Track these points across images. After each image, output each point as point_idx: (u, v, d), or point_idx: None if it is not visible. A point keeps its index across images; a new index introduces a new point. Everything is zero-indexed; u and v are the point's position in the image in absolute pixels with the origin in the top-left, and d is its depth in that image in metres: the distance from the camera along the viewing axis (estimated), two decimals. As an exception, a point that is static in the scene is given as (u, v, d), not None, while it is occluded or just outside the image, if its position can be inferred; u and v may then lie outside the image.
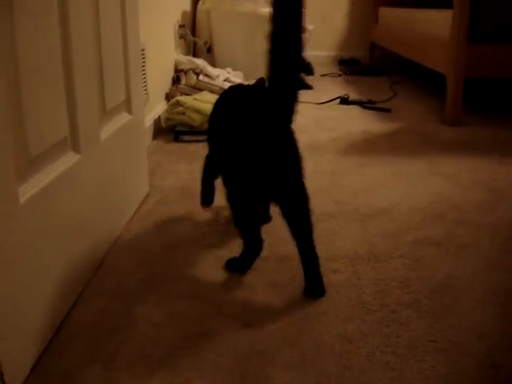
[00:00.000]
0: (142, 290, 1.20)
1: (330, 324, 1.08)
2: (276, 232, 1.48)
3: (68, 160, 1.12)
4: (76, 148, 1.16)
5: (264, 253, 1.32)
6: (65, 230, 1.09)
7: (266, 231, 1.48)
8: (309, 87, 3.73)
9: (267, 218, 1.48)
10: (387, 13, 4.62)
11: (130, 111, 1.58)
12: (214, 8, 3.29)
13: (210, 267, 1.30)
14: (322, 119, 2.82)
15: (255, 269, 1.29)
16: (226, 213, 1.56)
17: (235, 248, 1.37)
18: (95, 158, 1.26)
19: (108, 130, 1.38)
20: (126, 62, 1.53)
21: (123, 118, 1.53)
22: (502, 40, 2.72)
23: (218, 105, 1.35)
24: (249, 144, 1.14)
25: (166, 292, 1.19)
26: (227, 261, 1.30)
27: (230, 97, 1.31)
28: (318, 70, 4.52)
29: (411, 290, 1.21)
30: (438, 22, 2.98)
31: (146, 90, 2.37)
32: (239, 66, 3.19)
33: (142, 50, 2.31)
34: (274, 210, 1.24)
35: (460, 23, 2.61)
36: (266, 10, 3.20)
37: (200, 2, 3.50)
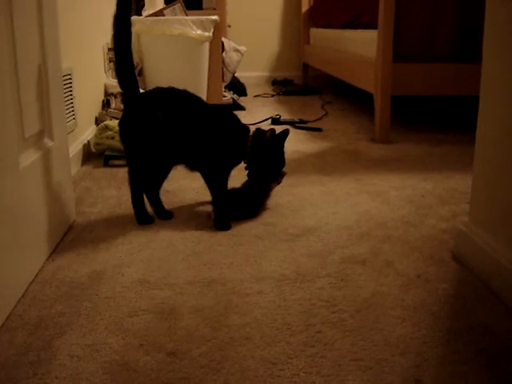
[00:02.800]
0: (63, 322, 1.16)
1: (255, 347, 1.07)
2: (202, 256, 1.48)
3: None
4: (-10, 177, 1.13)
5: (190, 277, 1.31)
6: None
7: (192, 255, 1.47)
8: (242, 108, 3.75)
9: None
10: (318, 34, 4.71)
11: (51, 138, 1.55)
12: (143, 31, 3.27)
13: (134, 296, 1.27)
14: (254, 140, 2.82)
15: (181, 293, 1.27)
16: None
17: (161, 283, 1.35)
18: (13, 187, 1.23)
19: (28, 158, 1.35)
20: (47, 88, 1.50)
21: (45, 144, 1.49)
22: (428, 59, 2.81)
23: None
24: None
25: (88, 324, 1.16)
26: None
27: None
28: (252, 90, 4.56)
29: (337, 309, 1.21)
30: (365, 43, 3.06)
31: (73, 114, 2.33)
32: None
33: (69, 74, 2.27)
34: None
35: (385, 43, 2.68)
36: (197, 32, 3.21)
37: (130, 26, 3.49)
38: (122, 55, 1.63)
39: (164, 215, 1.77)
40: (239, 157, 1.76)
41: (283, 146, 1.80)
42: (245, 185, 1.82)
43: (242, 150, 1.75)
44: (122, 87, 1.66)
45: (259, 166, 1.77)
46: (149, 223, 1.72)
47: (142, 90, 1.73)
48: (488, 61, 1.38)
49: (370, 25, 2.93)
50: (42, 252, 1.45)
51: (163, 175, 1.79)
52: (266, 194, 1.83)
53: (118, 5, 1.59)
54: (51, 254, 1.49)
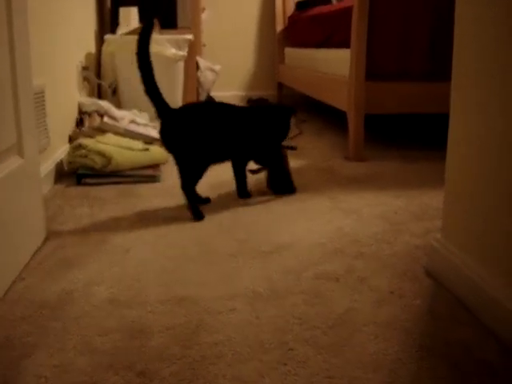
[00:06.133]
0: (31, 342, 1.14)
1: (227, 366, 1.06)
2: (173, 274, 1.46)
3: None
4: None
5: (161, 296, 1.29)
6: None
7: (163, 273, 1.46)
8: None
9: None
10: (292, 53, 4.74)
11: (21, 155, 1.52)
12: (118, 50, 3.27)
13: (104, 315, 1.25)
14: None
15: (152, 312, 1.25)
16: None
17: (132, 302, 1.33)
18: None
19: (-5, 175, 1.33)
20: (16, 105, 1.49)
21: (14, 162, 1.47)
22: (401, 77, 2.83)
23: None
24: None
25: (56, 344, 1.14)
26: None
27: None
28: (227, 109, 4.56)
29: (310, 326, 1.20)
30: (338, 61, 3.08)
31: (46, 133, 2.31)
32: (145, 108, 3.16)
33: (42, 92, 2.25)
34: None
35: (358, 61, 2.70)
36: (171, 51, 3.21)
37: (105, 44, 3.48)
38: (149, 79, 1.92)
39: (203, 201, 2.07)
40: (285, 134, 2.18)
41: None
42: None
43: (286, 129, 2.18)
44: (155, 105, 1.93)
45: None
46: (203, 219, 1.90)
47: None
48: (456, 80, 1.39)
49: (343, 44, 2.95)
50: (10, 271, 1.42)
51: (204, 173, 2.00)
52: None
53: (141, 35, 1.92)
54: (20, 273, 1.46)
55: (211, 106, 2.10)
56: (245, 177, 2.16)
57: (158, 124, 1.97)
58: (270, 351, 1.11)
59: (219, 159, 2.05)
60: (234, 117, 2.04)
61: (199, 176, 1.97)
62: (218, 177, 2.43)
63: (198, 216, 1.91)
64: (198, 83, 3.85)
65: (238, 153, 2.10)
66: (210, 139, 1.96)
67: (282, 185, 2.20)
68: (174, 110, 1.96)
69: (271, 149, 2.16)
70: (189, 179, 1.95)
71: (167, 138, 1.95)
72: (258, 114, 2.14)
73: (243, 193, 2.16)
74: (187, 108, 2.09)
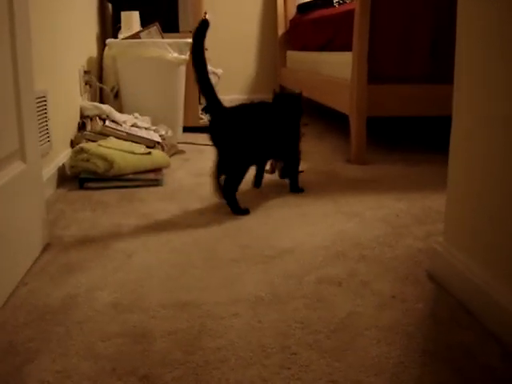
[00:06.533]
0: (34, 348, 1.14)
1: (230, 370, 1.06)
2: (176, 279, 1.46)
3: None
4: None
5: (163, 301, 1.29)
6: None
7: (166, 278, 1.46)
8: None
9: None
10: (294, 56, 4.74)
11: (24, 160, 1.53)
12: (120, 53, 3.27)
13: (107, 320, 1.25)
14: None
15: (155, 317, 1.26)
16: None
17: (134, 307, 1.33)
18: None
19: (-1, 180, 1.33)
20: (19, 111, 1.49)
21: (17, 167, 1.48)
22: (403, 80, 2.84)
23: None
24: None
25: (59, 349, 1.14)
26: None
27: None
28: (229, 113, 4.56)
29: (312, 331, 1.20)
30: (340, 65, 3.08)
31: (48, 137, 2.31)
32: (147, 111, 3.17)
33: (43, 96, 2.26)
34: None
35: (359, 65, 2.70)
36: (172, 55, 3.22)
37: (106, 48, 3.48)
38: (203, 77, 2.04)
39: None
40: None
41: None
42: None
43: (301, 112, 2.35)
44: (208, 101, 2.07)
45: None
46: (247, 213, 2.01)
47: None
48: (460, 80, 1.39)
49: (345, 47, 2.95)
50: (13, 276, 1.42)
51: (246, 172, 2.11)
52: None
53: (196, 35, 2.03)
54: (23, 278, 1.47)
55: (260, 107, 2.21)
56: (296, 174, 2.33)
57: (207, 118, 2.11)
58: (272, 355, 1.11)
59: (262, 159, 2.29)
60: (274, 116, 2.20)
61: (243, 174, 2.07)
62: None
63: (242, 212, 2.01)
64: (200, 87, 3.85)
65: (281, 151, 2.27)
66: (257, 140, 2.08)
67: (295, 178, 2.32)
68: (227, 108, 2.09)
69: (297, 140, 2.32)
70: (234, 177, 2.04)
71: (216, 135, 2.06)
72: (282, 106, 2.27)
73: (296, 188, 2.31)
74: (239, 108, 2.18)
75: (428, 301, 1.35)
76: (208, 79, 2.04)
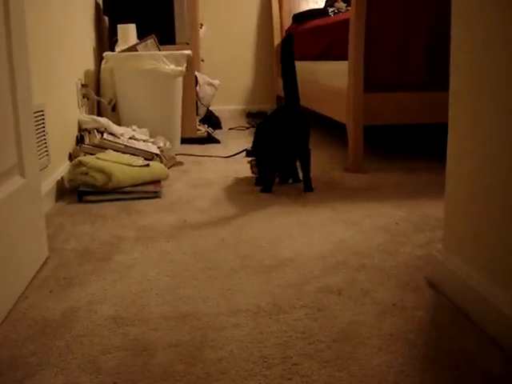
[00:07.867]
0: (35, 362, 1.14)
1: (231, 382, 1.06)
2: (176, 290, 1.46)
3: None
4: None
5: (164, 313, 1.29)
6: None
7: (166, 290, 1.46)
8: (217, 141, 3.77)
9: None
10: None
11: (23, 175, 1.53)
12: (117, 66, 3.28)
13: (107, 333, 1.25)
14: (229, 173, 2.83)
15: (156, 329, 1.26)
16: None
17: (135, 319, 1.33)
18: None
19: (-3, 196, 1.33)
20: (17, 126, 1.49)
21: (16, 182, 1.48)
22: (399, 88, 2.84)
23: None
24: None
25: (60, 363, 1.14)
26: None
27: None
28: (227, 123, 4.58)
29: (313, 341, 1.20)
30: (337, 73, 3.09)
31: (46, 151, 2.32)
32: (145, 124, 3.18)
33: (41, 110, 2.26)
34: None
35: (356, 73, 2.72)
36: (170, 67, 3.23)
37: (103, 61, 3.49)
38: (291, 87, 2.49)
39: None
40: None
41: None
42: None
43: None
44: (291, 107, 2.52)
45: None
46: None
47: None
48: (455, 87, 1.40)
49: (342, 56, 2.96)
50: (14, 290, 1.42)
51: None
52: None
53: (284, 48, 2.44)
54: (24, 292, 1.47)
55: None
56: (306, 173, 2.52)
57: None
58: (273, 366, 1.11)
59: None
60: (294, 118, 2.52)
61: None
62: (218, 192, 2.45)
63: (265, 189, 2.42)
64: (198, 98, 3.87)
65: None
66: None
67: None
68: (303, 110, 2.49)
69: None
70: (308, 159, 2.53)
71: (296, 129, 2.52)
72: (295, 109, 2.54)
73: (309, 186, 2.49)
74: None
75: (428, 308, 1.35)
76: (296, 85, 2.50)
